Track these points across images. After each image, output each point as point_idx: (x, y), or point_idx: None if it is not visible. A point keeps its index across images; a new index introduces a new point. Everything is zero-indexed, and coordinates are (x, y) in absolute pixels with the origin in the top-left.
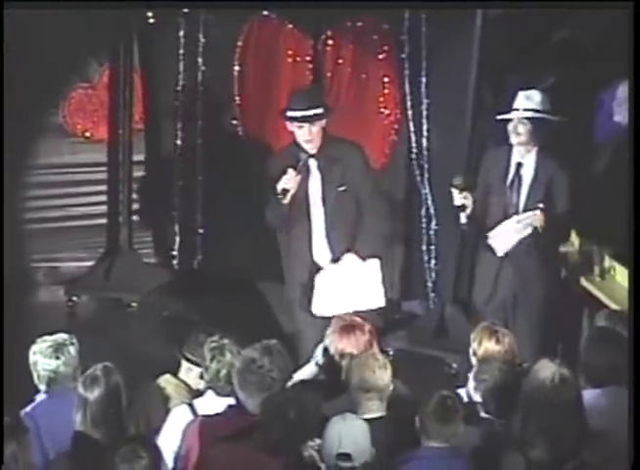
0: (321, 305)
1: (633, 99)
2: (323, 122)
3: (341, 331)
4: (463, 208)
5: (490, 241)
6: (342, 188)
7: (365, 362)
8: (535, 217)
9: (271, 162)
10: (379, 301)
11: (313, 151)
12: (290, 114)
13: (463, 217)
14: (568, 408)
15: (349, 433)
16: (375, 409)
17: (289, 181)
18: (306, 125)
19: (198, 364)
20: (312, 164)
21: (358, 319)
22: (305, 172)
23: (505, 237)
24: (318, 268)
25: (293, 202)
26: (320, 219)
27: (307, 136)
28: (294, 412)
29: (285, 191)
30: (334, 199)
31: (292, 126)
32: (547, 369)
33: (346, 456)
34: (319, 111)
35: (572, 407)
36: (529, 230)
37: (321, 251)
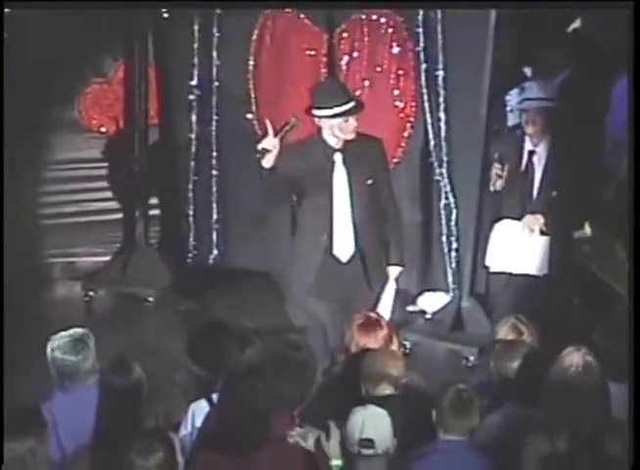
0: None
1: (634, 99)
2: (356, 116)
3: (359, 328)
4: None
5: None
6: (370, 181)
7: (379, 353)
8: (533, 220)
9: (290, 154)
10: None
11: (339, 145)
12: (326, 112)
13: (499, 185)
14: (591, 397)
15: (372, 419)
16: (387, 392)
17: (269, 143)
18: (340, 119)
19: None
20: (337, 158)
21: (374, 315)
22: (330, 166)
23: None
24: (338, 262)
25: (315, 196)
26: (346, 213)
27: (351, 127)
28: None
29: (264, 151)
30: (362, 193)
31: (320, 121)
32: (572, 357)
33: (369, 442)
34: (354, 104)
35: (596, 396)
36: (535, 235)
37: (344, 245)
